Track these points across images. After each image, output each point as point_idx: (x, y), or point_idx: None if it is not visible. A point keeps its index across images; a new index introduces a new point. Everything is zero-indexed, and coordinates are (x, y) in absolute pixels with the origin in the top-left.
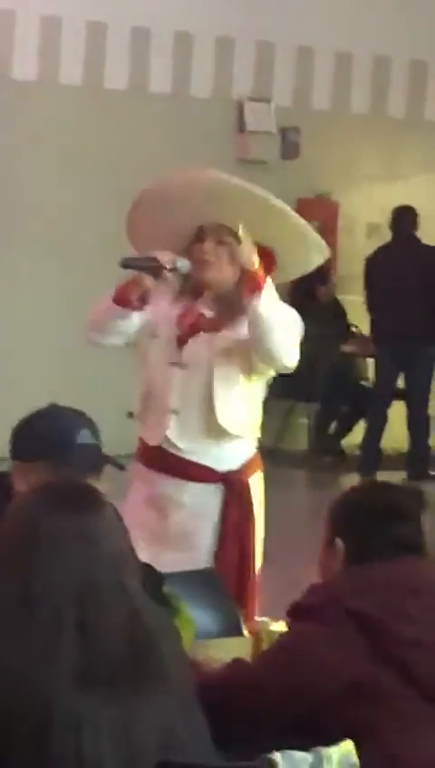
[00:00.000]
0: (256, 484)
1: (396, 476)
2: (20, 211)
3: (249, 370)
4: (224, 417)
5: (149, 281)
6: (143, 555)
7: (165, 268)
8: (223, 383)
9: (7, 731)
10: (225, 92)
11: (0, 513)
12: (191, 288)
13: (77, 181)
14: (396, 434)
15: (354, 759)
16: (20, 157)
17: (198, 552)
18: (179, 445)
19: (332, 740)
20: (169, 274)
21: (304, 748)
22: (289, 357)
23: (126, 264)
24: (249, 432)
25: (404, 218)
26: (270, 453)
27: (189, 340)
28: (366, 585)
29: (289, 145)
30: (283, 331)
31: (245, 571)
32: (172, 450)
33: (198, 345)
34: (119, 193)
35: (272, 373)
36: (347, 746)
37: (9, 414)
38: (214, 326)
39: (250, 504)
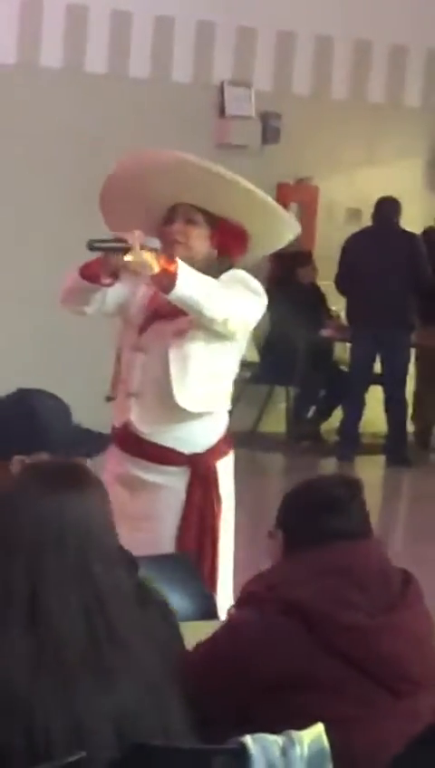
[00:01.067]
0: (225, 468)
1: (374, 461)
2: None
3: (207, 342)
4: (182, 396)
5: (116, 260)
6: None
7: (133, 248)
8: (179, 364)
9: None
10: (205, 77)
11: None
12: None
13: (55, 165)
14: (373, 419)
15: (325, 742)
16: None
17: (161, 533)
18: (141, 428)
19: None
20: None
21: (276, 731)
22: (235, 316)
23: (93, 246)
24: (213, 407)
25: (386, 206)
26: (248, 437)
27: (149, 326)
28: (303, 573)
29: (270, 130)
30: (214, 297)
31: (207, 554)
32: (137, 433)
33: (156, 330)
34: (97, 177)
35: (236, 342)
36: (317, 729)
37: None
38: (171, 311)
39: (215, 488)
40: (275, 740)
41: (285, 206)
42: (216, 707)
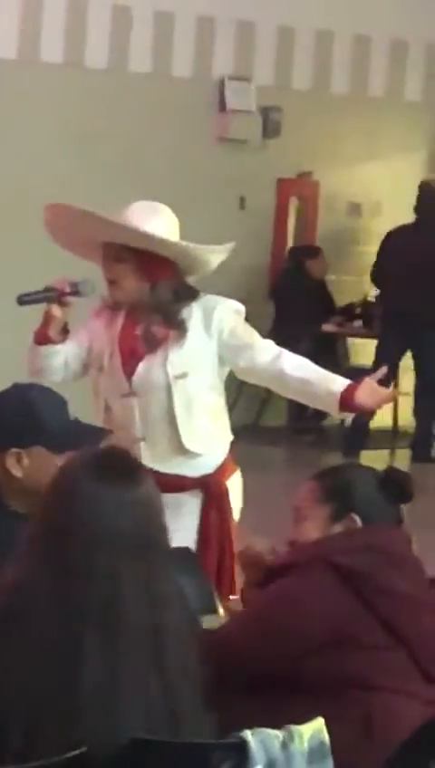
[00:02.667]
0: (234, 485)
1: (379, 455)
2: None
3: (207, 380)
4: (189, 439)
5: (56, 311)
6: None
7: (65, 293)
8: (183, 403)
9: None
10: (205, 71)
11: None
12: (114, 304)
13: (55, 160)
14: (379, 413)
15: (325, 736)
16: None
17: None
18: (155, 468)
19: (306, 688)
20: (71, 299)
21: (276, 726)
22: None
23: (21, 300)
24: (219, 442)
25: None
26: (249, 430)
27: (137, 367)
28: (346, 546)
29: (270, 124)
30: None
31: (227, 571)
32: (151, 470)
33: (148, 369)
34: (98, 172)
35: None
36: (318, 723)
37: None
38: (154, 344)
39: (228, 505)
40: (275, 734)
41: (286, 200)
42: (265, 671)
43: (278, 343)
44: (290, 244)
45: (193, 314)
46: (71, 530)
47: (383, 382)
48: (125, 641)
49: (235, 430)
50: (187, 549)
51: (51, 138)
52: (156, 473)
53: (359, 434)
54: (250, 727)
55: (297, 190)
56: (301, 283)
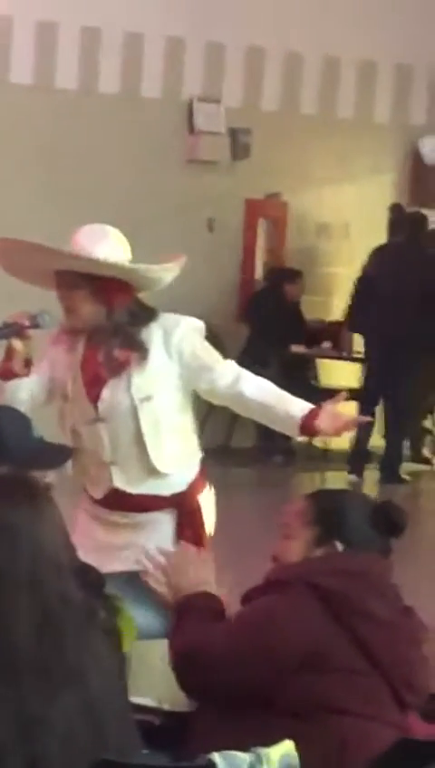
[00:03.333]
0: (206, 500)
1: (341, 475)
2: None
3: (174, 400)
4: (159, 460)
5: (17, 344)
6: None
7: (24, 327)
8: (150, 425)
9: None
10: (175, 93)
11: None
12: (73, 330)
13: (24, 180)
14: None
15: (294, 759)
16: None
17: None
18: (128, 490)
19: (280, 710)
20: (31, 332)
21: (243, 749)
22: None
23: None
24: (188, 460)
25: (402, 218)
26: (219, 451)
27: (101, 393)
28: (328, 568)
29: (239, 145)
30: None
31: None
32: (123, 492)
33: (112, 394)
34: (68, 192)
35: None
36: (287, 746)
37: None
38: (116, 368)
39: (201, 520)
40: (242, 757)
41: (254, 221)
42: (230, 690)
43: (248, 364)
44: (259, 264)
45: (153, 335)
46: None
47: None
48: (25, 659)
49: (204, 452)
50: (135, 574)
51: (19, 158)
52: (129, 495)
53: (360, 455)
54: (218, 743)
55: (266, 211)
56: (275, 305)
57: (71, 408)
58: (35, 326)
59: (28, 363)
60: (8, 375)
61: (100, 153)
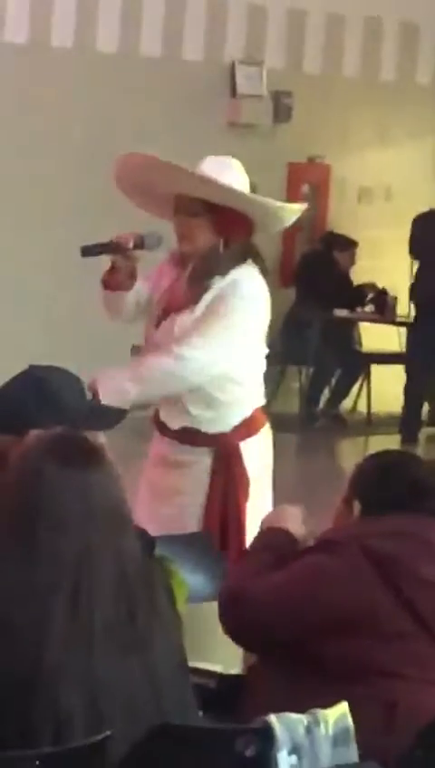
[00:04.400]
0: (253, 446)
1: (392, 439)
2: (8, 172)
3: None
4: (192, 403)
5: (120, 262)
6: (144, 509)
7: (128, 248)
8: None
9: None
10: (216, 56)
11: None
12: (182, 258)
13: (67, 144)
14: (389, 398)
15: (349, 721)
16: (8, 120)
17: (187, 509)
18: (165, 419)
19: (331, 674)
20: (135, 253)
21: (299, 711)
22: (210, 370)
23: (84, 252)
24: (232, 408)
25: None
26: None
27: (162, 322)
28: (383, 530)
29: (281, 108)
30: (172, 382)
31: (232, 532)
32: (164, 420)
33: (167, 326)
34: (109, 156)
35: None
36: (342, 708)
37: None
38: (180, 305)
39: (239, 467)
40: (299, 719)
41: (297, 185)
42: (271, 642)
43: (292, 326)
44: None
45: (220, 281)
46: (36, 514)
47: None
48: (100, 624)
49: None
50: (204, 534)
51: (60, 122)
52: (167, 427)
53: (412, 423)
54: (273, 706)
55: (308, 175)
56: (325, 269)
57: (146, 325)
58: (140, 247)
59: (133, 276)
60: (112, 286)
61: (141, 117)
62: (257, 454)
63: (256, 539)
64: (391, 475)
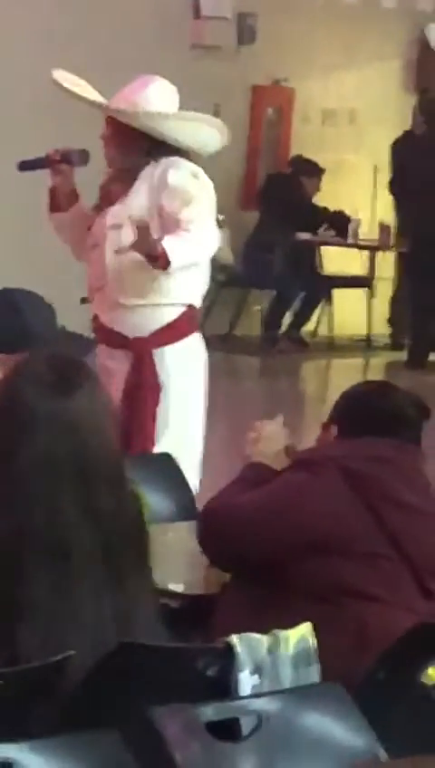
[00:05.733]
0: (172, 354)
1: (353, 362)
2: None
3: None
4: (119, 291)
5: (53, 179)
6: None
7: (54, 160)
8: (113, 254)
9: None
10: None
11: None
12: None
13: (27, 66)
14: (350, 322)
15: (311, 642)
16: None
17: None
18: (102, 319)
19: (301, 593)
20: (65, 167)
21: (263, 632)
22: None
23: (21, 166)
24: (151, 300)
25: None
26: (223, 339)
27: (93, 221)
28: (361, 452)
29: (245, 30)
30: (201, 250)
31: (133, 435)
32: (102, 323)
33: (100, 220)
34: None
35: None
36: (304, 629)
37: None
38: (109, 200)
39: (148, 371)
40: (260, 639)
41: (261, 108)
42: (248, 559)
43: (254, 249)
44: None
45: (152, 168)
46: (10, 449)
47: None
48: (72, 564)
49: (208, 340)
50: (167, 455)
51: (21, 38)
52: (105, 328)
53: (422, 346)
54: (241, 627)
55: (272, 98)
56: (288, 193)
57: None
58: (68, 162)
59: (72, 197)
60: (53, 208)
61: (103, 36)
62: (178, 363)
63: (240, 474)
64: (368, 402)
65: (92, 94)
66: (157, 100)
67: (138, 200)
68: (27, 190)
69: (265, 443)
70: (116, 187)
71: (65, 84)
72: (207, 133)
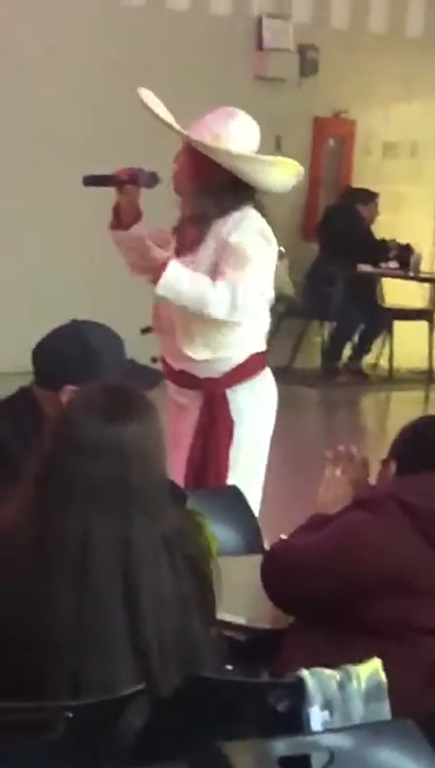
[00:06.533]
0: (242, 393)
1: (413, 395)
2: (39, 124)
3: None
4: (186, 345)
5: (119, 198)
6: None
7: (121, 180)
8: (179, 309)
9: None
10: (244, 9)
11: (28, 429)
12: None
13: (92, 98)
14: (411, 354)
15: (382, 677)
16: (35, 70)
17: (181, 453)
18: (168, 360)
19: (369, 631)
20: (131, 187)
21: (332, 667)
22: (237, 310)
23: (86, 181)
24: (221, 354)
25: None
26: (283, 371)
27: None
28: (418, 487)
29: (307, 63)
30: (206, 303)
31: (209, 474)
32: (168, 362)
33: (168, 271)
34: (135, 110)
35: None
36: (375, 665)
37: (33, 328)
38: (184, 244)
39: (222, 411)
40: (332, 674)
41: (322, 140)
42: (311, 601)
43: (315, 281)
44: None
45: (222, 223)
46: (56, 470)
47: None
48: (98, 588)
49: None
50: (235, 488)
51: (88, 75)
52: (171, 367)
53: None
54: (308, 662)
55: (334, 129)
56: (347, 223)
57: None
58: (135, 182)
59: (136, 216)
60: (114, 225)
61: (168, 70)
62: (250, 401)
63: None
64: (427, 437)
65: (171, 118)
66: (241, 136)
67: (207, 255)
68: (96, 221)
69: (324, 490)
70: (190, 232)
71: (149, 103)
72: (286, 178)
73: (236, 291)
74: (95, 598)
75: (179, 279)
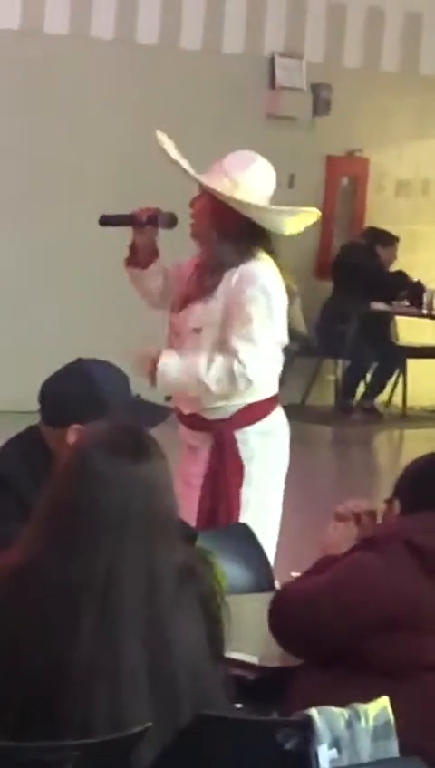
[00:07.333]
0: (252, 435)
1: (427, 433)
2: (50, 163)
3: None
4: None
5: (136, 237)
6: None
7: (140, 221)
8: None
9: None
10: (256, 48)
11: (40, 468)
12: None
13: (104, 136)
14: (425, 392)
15: (390, 715)
16: (51, 112)
17: (192, 493)
18: (177, 404)
19: (376, 670)
20: (148, 228)
21: (340, 705)
22: (241, 383)
23: (103, 220)
24: (233, 400)
25: None
26: (297, 409)
27: (181, 309)
28: (424, 526)
29: (320, 101)
30: (208, 386)
31: (221, 514)
32: (178, 406)
33: (183, 315)
34: (147, 148)
35: None
36: (383, 703)
37: (37, 365)
38: (191, 297)
39: (231, 453)
40: (340, 712)
41: (335, 178)
42: (316, 641)
43: (329, 319)
44: (339, 221)
45: (230, 275)
46: (77, 507)
47: None
48: (120, 621)
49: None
50: (245, 526)
51: (100, 114)
52: (182, 413)
53: None
54: (315, 700)
55: (347, 168)
56: (363, 263)
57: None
58: (154, 223)
59: (153, 255)
60: (130, 263)
61: (180, 109)
62: (261, 442)
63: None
64: (430, 474)
65: (187, 164)
66: (259, 183)
67: (217, 307)
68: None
69: (331, 531)
70: (203, 279)
71: (166, 148)
72: (303, 225)
73: (233, 364)
74: (118, 631)
75: (173, 369)
